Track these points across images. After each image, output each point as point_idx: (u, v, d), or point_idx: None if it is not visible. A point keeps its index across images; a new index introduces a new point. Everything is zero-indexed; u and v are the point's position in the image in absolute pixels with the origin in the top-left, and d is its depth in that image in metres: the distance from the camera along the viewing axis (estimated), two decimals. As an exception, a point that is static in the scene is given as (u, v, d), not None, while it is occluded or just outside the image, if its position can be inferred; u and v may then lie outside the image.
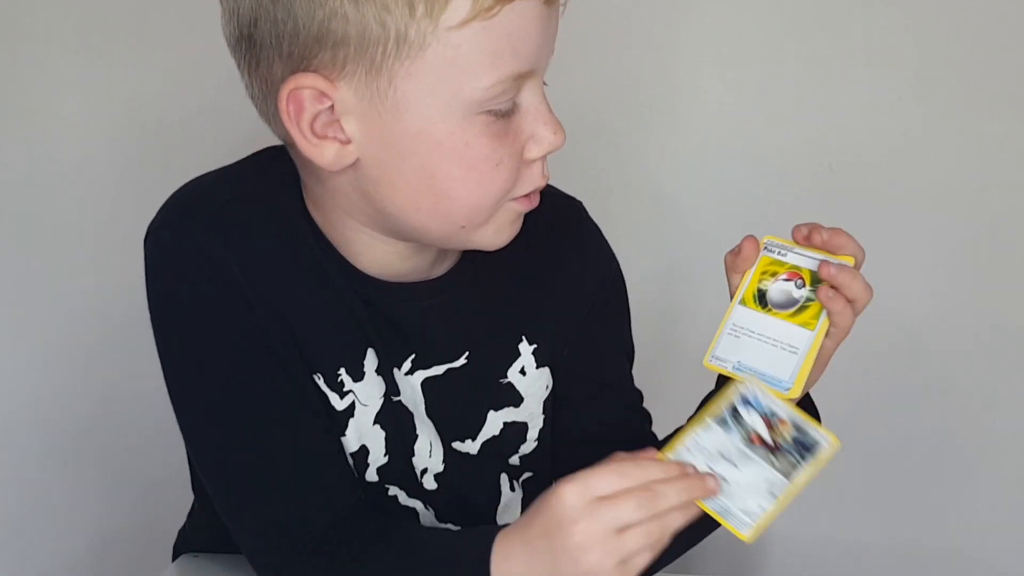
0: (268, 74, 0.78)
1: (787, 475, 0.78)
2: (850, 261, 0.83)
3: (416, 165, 0.78)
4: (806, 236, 0.84)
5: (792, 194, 1.48)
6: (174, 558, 1.10)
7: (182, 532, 1.13)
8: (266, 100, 0.80)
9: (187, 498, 1.08)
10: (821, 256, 0.83)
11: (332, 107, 0.77)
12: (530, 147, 0.80)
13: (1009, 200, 1.50)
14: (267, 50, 0.77)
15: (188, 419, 0.88)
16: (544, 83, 0.81)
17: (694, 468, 0.78)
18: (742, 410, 0.81)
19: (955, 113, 1.47)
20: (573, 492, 0.74)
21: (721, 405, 0.82)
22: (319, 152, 0.79)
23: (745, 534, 0.77)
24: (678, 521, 0.75)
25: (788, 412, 0.80)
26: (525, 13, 0.76)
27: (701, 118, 1.50)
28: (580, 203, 1.01)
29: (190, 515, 1.12)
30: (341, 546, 0.85)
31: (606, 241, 1.01)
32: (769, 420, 0.80)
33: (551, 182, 0.96)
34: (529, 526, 0.77)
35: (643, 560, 0.74)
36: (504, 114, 0.78)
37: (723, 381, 0.87)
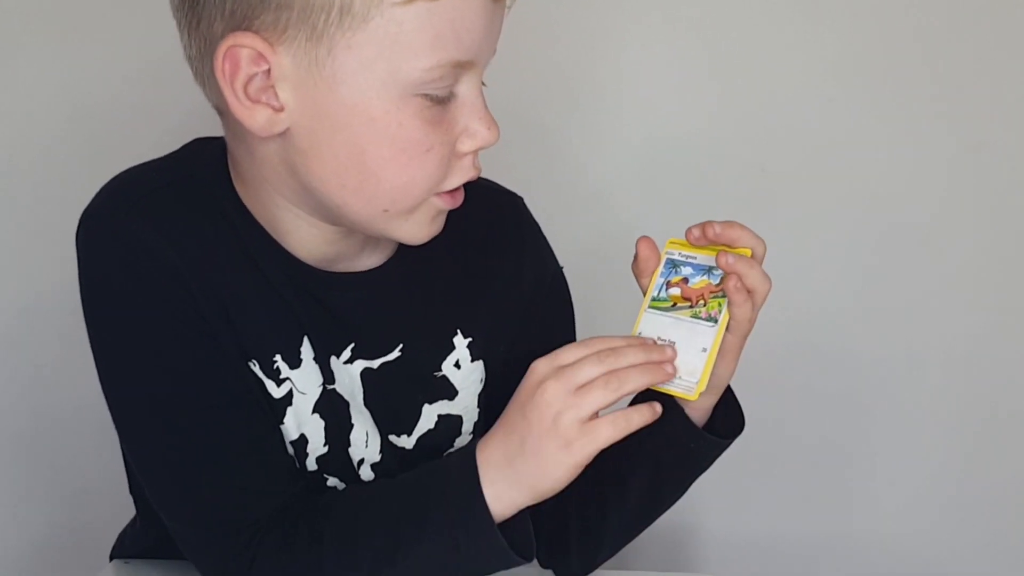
0: (208, 33, 0.78)
1: (713, 321, 0.83)
2: (747, 253, 0.84)
3: (347, 139, 0.78)
4: (699, 236, 0.85)
5: (724, 194, 1.50)
6: (111, 563, 1.09)
7: (121, 537, 1.11)
8: (203, 60, 0.80)
9: (124, 503, 1.06)
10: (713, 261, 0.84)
11: (268, 71, 0.77)
12: (463, 140, 0.81)
13: (934, 200, 1.53)
14: (210, 8, 0.77)
15: (124, 411, 0.87)
16: (484, 83, 0.82)
17: (653, 341, 0.83)
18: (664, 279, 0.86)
19: (883, 115, 1.50)
20: (543, 363, 0.81)
21: (655, 283, 0.87)
22: (250, 115, 0.78)
23: (691, 395, 0.82)
24: (636, 379, 0.79)
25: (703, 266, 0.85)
26: (471, 3, 0.77)
27: (633, 116, 1.51)
28: (520, 198, 1.02)
29: (132, 521, 1.11)
30: (296, 527, 0.85)
31: (545, 237, 1.02)
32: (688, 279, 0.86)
33: (488, 177, 0.96)
34: (506, 410, 0.83)
35: (607, 431, 0.78)
36: (440, 101, 0.78)
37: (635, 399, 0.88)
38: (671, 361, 0.82)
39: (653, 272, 0.87)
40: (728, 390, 0.91)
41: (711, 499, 1.55)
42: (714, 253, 0.85)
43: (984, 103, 1.50)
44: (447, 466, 0.84)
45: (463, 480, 0.81)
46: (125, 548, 1.09)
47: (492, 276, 0.97)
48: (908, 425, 1.60)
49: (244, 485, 0.86)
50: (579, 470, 0.79)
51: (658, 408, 0.81)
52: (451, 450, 0.95)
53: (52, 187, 1.48)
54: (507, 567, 0.84)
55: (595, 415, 0.79)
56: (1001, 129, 1.51)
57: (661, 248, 0.88)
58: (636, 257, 0.88)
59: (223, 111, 0.82)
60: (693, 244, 0.86)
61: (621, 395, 0.79)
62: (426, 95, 0.77)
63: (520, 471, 0.80)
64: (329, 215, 0.85)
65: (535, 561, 1.04)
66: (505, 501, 0.81)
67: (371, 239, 0.91)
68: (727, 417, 0.91)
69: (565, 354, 0.80)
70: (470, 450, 0.83)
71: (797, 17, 1.48)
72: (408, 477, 0.87)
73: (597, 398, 0.78)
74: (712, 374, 0.83)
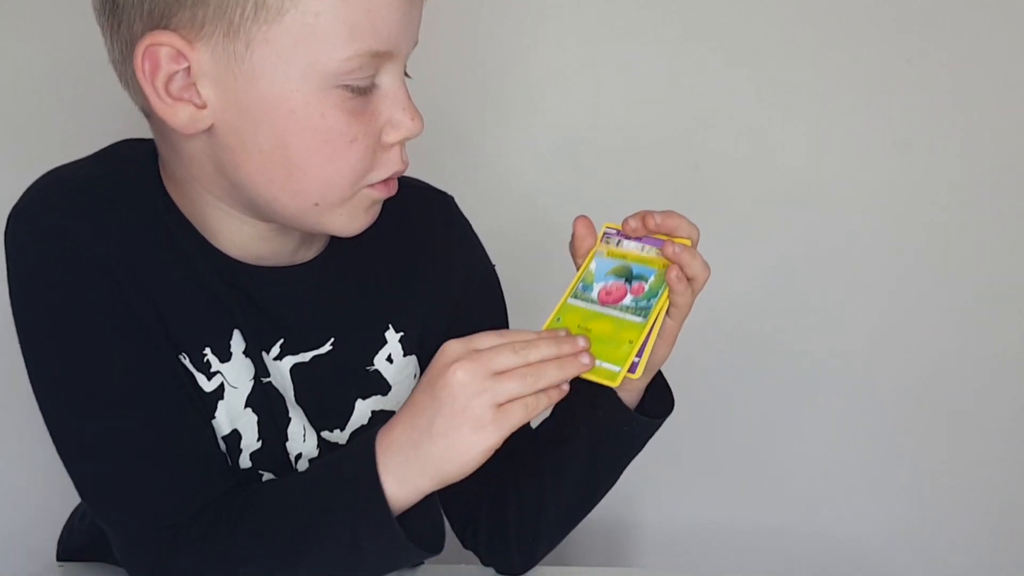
0: (128, 34, 0.78)
1: (642, 316, 0.83)
2: (687, 243, 0.85)
3: (269, 133, 0.79)
4: (637, 226, 0.86)
5: (657, 191, 1.49)
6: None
7: (61, 539, 1.11)
8: (125, 63, 0.80)
9: (65, 503, 1.05)
10: (656, 249, 0.85)
11: (188, 69, 0.78)
12: (388, 131, 0.81)
13: (862, 196, 1.56)
14: (128, 9, 0.78)
15: (53, 407, 0.85)
16: (407, 75, 0.83)
17: (566, 331, 0.82)
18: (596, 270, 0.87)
19: (812, 113, 1.53)
20: (456, 344, 0.79)
21: (582, 274, 0.87)
22: (172, 113, 0.79)
23: (614, 383, 0.81)
24: (553, 374, 0.78)
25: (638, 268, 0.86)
26: None
27: (566, 114, 1.52)
28: (451, 197, 1.03)
29: (70, 519, 1.10)
30: (216, 519, 0.84)
31: (477, 236, 1.03)
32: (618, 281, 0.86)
33: (419, 176, 0.97)
34: (414, 391, 0.81)
35: (519, 413, 0.77)
36: (362, 92, 0.79)
37: None
38: (585, 351, 0.80)
39: (589, 252, 0.88)
40: (658, 372, 0.92)
41: (648, 493, 1.57)
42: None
43: (911, 102, 1.52)
44: (348, 455, 0.83)
45: (361, 471, 0.80)
46: (73, 540, 1.08)
47: (424, 272, 0.98)
48: (841, 417, 1.62)
49: (172, 484, 0.85)
50: (489, 455, 0.78)
51: (565, 387, 0.80)
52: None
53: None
54: (412, 561, 0.83)
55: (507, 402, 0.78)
56: (928, 127, 1.53)
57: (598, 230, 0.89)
58: (573, 236, 0.89)
59: (148, 112, 0.83)
60: (631, 234, 0.87)
61: (536, 389, 0.78)
62: (347, 86, 0.78)
63: (426, 454, 0.78)
64: (260, 212, 0.85)
65: (477, 559, 1.05)
66: (409, 487, 0.79)
67: (306, 238, 0.92)
68: (658, 398, 0.93)
69: (480, 340, 0.79)
70: (370, 438, 0.81)
71: (725, 14, 1.50)
72: (315, 467, 0.87)
73: (515, 387, 0.77)
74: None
